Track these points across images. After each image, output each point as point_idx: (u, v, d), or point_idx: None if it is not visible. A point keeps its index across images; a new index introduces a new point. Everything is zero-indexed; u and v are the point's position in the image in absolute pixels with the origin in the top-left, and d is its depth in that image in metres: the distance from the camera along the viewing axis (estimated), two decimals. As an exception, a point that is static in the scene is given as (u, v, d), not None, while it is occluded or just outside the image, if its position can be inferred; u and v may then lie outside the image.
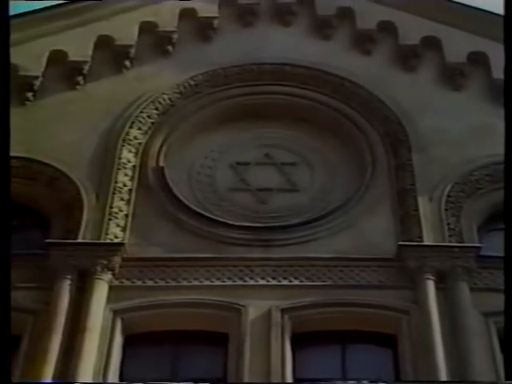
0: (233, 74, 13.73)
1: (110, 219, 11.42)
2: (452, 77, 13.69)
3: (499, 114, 12.85)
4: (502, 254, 10.90)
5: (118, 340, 10.35)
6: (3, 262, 6.55)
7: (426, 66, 14.01)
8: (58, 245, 10.97)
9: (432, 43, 14.21)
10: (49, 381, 9.46)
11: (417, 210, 11.64)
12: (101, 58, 13.88)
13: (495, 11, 14.22)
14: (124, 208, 11.67)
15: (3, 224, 6.36)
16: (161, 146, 12.73)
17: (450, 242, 11.29)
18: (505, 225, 6.31)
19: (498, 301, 10.54)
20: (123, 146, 12.48)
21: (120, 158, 12.27)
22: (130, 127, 12.78)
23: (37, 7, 13.08)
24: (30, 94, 13.24)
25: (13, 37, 13.22)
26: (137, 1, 14.75)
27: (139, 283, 10.82)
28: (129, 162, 12.35)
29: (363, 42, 14.40)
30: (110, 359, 10.06)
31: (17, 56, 13.39)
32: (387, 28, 14.54)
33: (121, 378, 10.14)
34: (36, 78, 13.37)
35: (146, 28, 14.42)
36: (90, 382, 9.50)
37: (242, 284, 10.81)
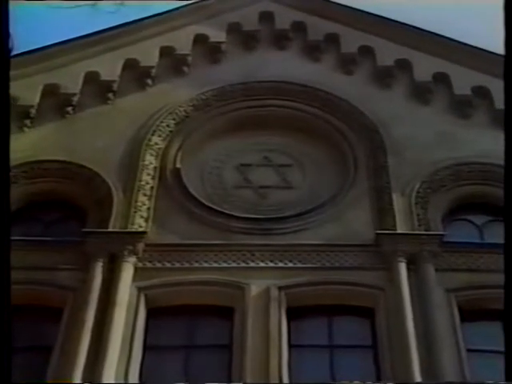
0: (238, 90, 13.75)
1: (135, 212, 11.50)
2: (421, 93, 13.73)
3: (459, 124, 13.21)
4: (462, 240, 11.32)
5: (142, 313, 10.46)
6: (3, 257, 6.08)
7: (399, 84, 14.03)
8: (93, 233, 11.11)
9: (404, 65, 14.25)
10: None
11: (391, 203, 11.68)
12: (128, 78, 13.95)
13: (458, 38, 14.45)
14: (147, 202, 11.74)
15: (3, 211, 6.08)
16: (177, 151, 12.77)
17: (419, 230, 11.35)
18: (504, 223, 6.19)
19: (458, 279, 10.80)
20: (146, 150, 12.54)
21: (143, 161, 12.34)
22: (152, 135, 12.83)
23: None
24: (69, 109, 13.30)
25: (53, 62, 13.82)
26: (157, 29, 14.80)
27: (159, 265, 10.90)
28: (151, 164, 12.41)
29: (347, 63, 14.42)
30: (136, 328, 10.18)
31: (57, 77, 13.69)
32: (367, 52, 14.57)
33: (144, 345, 10.24)
34: (74, 95, 13.45)
35: (166, 52, 14.47)
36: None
37: (245, 266, 10.87)
